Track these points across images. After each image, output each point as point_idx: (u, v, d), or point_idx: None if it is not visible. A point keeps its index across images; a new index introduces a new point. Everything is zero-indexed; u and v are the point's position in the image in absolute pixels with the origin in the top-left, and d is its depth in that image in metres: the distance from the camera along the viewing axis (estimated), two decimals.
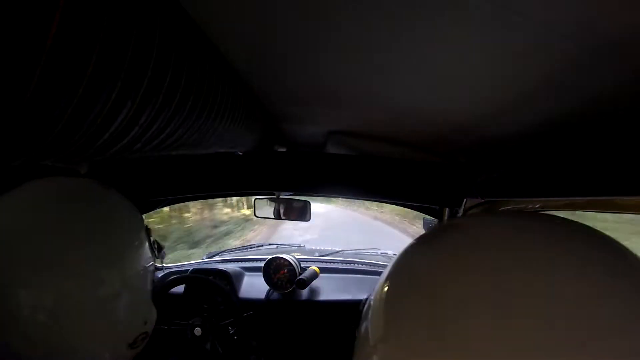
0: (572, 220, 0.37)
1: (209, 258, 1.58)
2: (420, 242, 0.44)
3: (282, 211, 1.26)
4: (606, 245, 0.32)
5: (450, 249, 0.37)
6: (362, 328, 0.40)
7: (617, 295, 0.25)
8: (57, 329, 0.54)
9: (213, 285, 1.13)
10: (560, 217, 0.39)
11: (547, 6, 0.25)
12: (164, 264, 1.42)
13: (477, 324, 0.26)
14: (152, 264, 0.73)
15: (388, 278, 0.40)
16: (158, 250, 0.82)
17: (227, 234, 5.44)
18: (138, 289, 0.67)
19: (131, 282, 0.65)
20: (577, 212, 0.61)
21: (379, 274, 1.37)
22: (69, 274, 0.55)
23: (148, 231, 0.73)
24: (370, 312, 0.39)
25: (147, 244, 0.71)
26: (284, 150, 1.01)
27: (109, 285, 0.60)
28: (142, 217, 0.76)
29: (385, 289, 0.39)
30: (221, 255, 1.59)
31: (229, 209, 6.18)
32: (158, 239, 0.91)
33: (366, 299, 0.45)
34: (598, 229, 0.36)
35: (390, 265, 0.43)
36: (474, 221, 0.42)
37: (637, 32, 0.25)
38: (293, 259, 1.30)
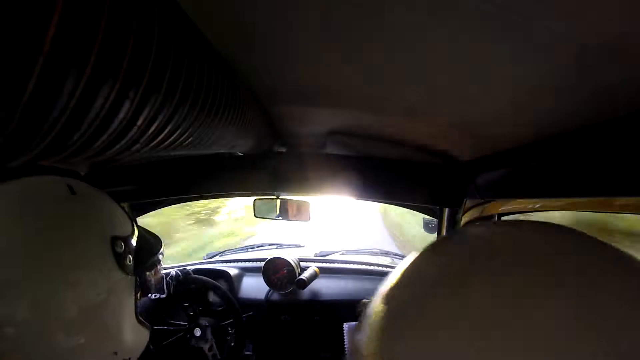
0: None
1: (209, 259, 1.58)
2: (431, 252, 0.41)
3: (282, 211, 1.26)
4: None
5: (469, 261, 0.34)
6: (358, 340, 0.38)
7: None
8: None
9: (213, 285, 1.13)
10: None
11: (547, 7, 0.25)
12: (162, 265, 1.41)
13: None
14: (127, 282, 0.60)
15: (393, 288, 0.38)
16: (142, 258, 0.66)
17: None
18: (98, 318, 0.56)
19: (86, 312, 0.53)
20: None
21: (379, 273, 1.38)
22: (11, 298, 0.47)
23: (121, 240, 0.60)
24: (367, 324, 0.37)
25: (116, 260, 0.59)
26: (284, 150, 1.01)
27: (59, 314, 0.50)
28: (117, 223, 0.63)
29: (387, 302, 0.35)
30: (221, 255, 1.60)
31: None
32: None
33: (364, 304, 0.43)
34: None
35: (395, 273, 0.40)
36: (496, 230, 0.39)
37: (637, 32, 0.25)
38: (293, 259, 1.30)
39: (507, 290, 0.27)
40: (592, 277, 0.26)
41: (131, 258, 0.62)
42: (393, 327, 0.32)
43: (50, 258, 0.51)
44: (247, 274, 1.36)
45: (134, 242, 0.65)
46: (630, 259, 0.28)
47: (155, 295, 1.11)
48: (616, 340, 0.22)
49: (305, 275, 1.23)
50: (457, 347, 0.25)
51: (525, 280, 0.27)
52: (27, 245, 0.50)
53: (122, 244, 0.60)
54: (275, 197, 1.24)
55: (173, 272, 1.14)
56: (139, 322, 0.67)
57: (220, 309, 1.18)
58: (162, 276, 1.04)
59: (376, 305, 0.37)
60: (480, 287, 0.29)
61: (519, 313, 0.25)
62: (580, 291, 0.25)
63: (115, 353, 0.59)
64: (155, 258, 0.72)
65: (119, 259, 0.59)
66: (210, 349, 1.11)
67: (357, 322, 0.42)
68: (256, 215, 1.31)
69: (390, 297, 0.36)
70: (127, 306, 0.63)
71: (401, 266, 0.40)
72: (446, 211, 1.01)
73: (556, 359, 0.22)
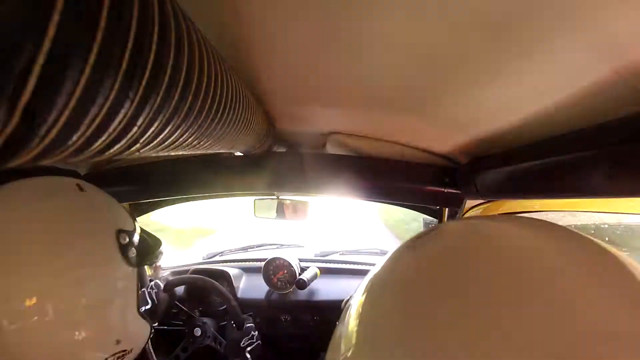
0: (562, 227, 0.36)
1: (208, 258, 1.58)
2: (406, 248, 0.42)
3: (281, 211, 1.26)
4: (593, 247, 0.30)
5: (437, 255, 0.35)
6: (337, 333, 0.38)
7: (606, 301, 0.24)
8: (5, 348, 0.48)
9: (213, 286, 1.13)
10: (551, 223, 0.38)
11: (547, 7, 0.25)
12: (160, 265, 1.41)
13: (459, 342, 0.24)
14: (130, 274, 0.64)
15: (369, 283, 0.38)
16: (144, 253, 0.69)
17: None
18: (104, 307, 0.59)
19: (93, 300, 0.57)
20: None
21: None
22: (18, 287, 0.50)
23: (125, 234, 0.64)
24: (345, 318, 0.37)
25: (121, 252, 0.63)
26: (284, 150, 1.01)
27: (64, 304, 0.53)
28: (116, 219, 0.66)
29: (364, 295, 0.36)
30: (221, 255, 1.59)
31: None
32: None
33: (347, 300, 0.43)
34: None
35: (374, 269, 0.42)
36: (465, 226, 0.41)
37: (638, 32, 0.25)
38: (293, 259, 1.30)
39: (483, 288, 0.27)
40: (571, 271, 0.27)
41: (134, 251, 0.66)
42: (369, 327, 0.32)
43: (62, 248, 0.55)
44: (247, 274, 1.36)
45: (136, 237, 0.68)
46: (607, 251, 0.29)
47: (142, 308, 1.10)
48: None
49: (305, 275, 1.23)
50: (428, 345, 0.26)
51: (502, 277, 0.28)
52: (42, 237, 0.54)
53: (127, 237, 0.65)
54: (275, 197, 1.24)
55: (152, 283, 1.12)
56: (140, 315, 0.69)
57: (221, 309, 1.18)
58: (144, 290, 1.04)
59: (355, 303, 0.38)
60: (456, 284, 0.29)
61: (493, 313, 0.25)
62: (560, 286, 0.25)
63: (118, 342, 0.63)
64: (156, 255, 0.77)
65: (124, 250, 0.64)
66: (215, 341, 1.12)
67: (339, 322, 0.43)
68: (256, 215, 1.31)
69: (368, 296, 0.36)
70: (130, 297, 0.66)
71: (379, 263, 0.41)
72: (446, 211, 1.01)
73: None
